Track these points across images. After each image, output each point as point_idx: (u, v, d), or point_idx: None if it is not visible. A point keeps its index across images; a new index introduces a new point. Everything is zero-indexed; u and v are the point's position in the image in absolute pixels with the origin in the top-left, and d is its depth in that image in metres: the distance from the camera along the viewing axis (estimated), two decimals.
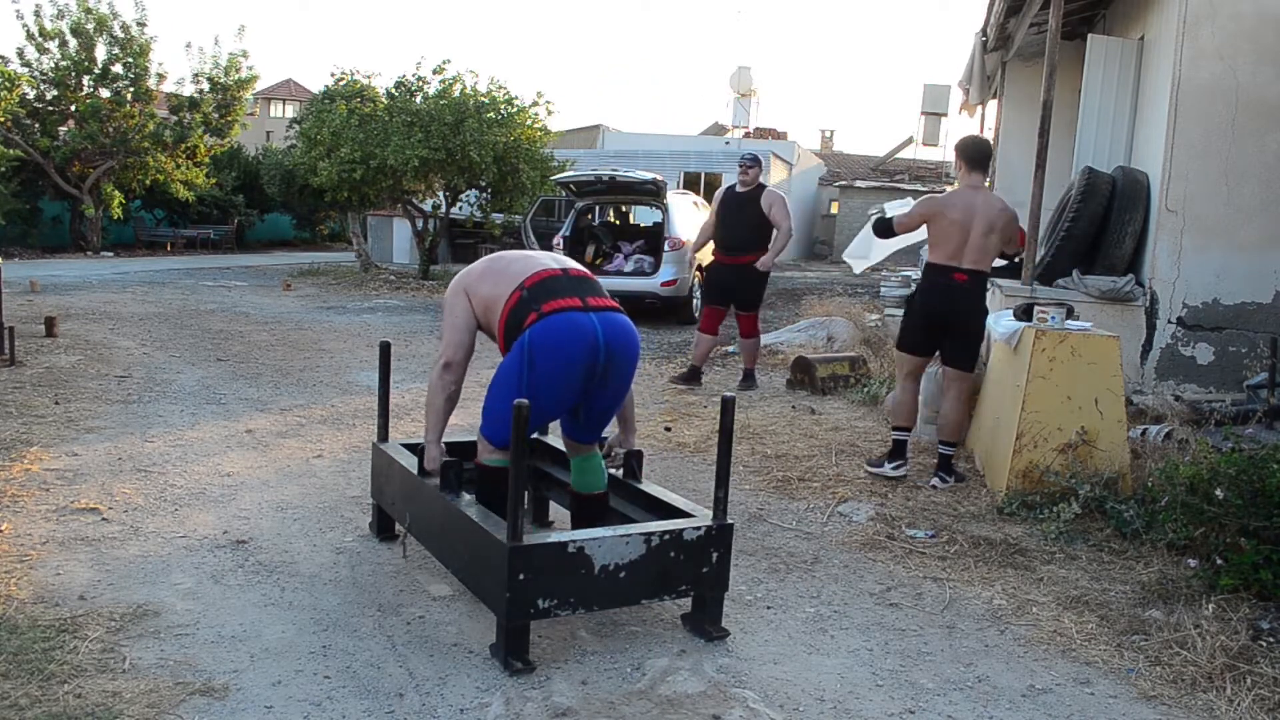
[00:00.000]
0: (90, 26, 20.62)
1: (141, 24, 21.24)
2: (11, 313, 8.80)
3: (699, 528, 3.12)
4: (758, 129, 32.32)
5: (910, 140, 28.83)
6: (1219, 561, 3.54)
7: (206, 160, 23.13)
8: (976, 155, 4.99)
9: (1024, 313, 4.95)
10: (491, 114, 15.28)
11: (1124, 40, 7.94)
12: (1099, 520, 4.32)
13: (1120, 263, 6.79)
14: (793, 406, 6.83)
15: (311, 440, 5.58)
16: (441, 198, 16.80)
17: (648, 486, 3.60)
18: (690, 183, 23.63)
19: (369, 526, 4.08)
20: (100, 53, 20.92)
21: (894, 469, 4.98)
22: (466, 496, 3.30)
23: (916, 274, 8.06)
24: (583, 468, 3.54)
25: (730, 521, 3.20)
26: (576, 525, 3.51)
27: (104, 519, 4.08)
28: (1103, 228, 6.82)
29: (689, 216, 12.09)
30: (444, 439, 3.50)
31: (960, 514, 4.54)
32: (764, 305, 13.68)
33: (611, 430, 3.71)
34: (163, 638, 3.02)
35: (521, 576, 2.83)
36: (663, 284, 11.31)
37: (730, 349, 8.95)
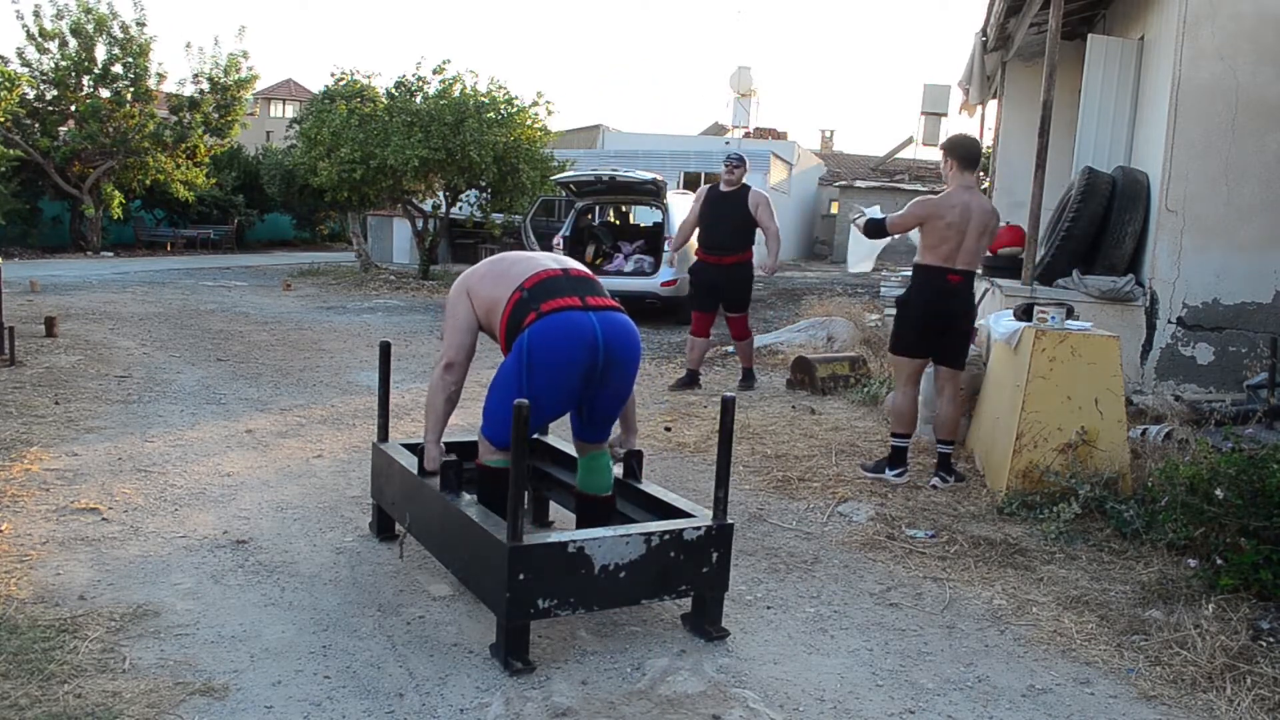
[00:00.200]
0: (90, 27, 20.63)
1: (141, 24, 21.26)
2: (11, 313, 8.81)
3: (699, 528, 3.12)
4: (758, 129, 32.30)
5: (910, 140, 28.83)
6: (1219, 561, 3.54)
7: (206, 160, 23.15)
8: (969, 155, 4.97)
9: (1024, 313, 4.95)
10: (491, 114, 15.29)
11: (1124, 40, 7.94)
12: (1099, 520, 4.32)
13: (1120, 263, 6.79)
14: (793, 406, 6.83)
15: (311, 440, 5.58)
16: (441, 198, 16.81)
17: (648, 486, 3.60)
18: (690, 183, 23.61)
19: (369, 526, 4.08)
20: (100, 53, 20.94)
21: (896, 475, 4.96)
22: (466, 496, 3.30)
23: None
24: (590, 467, 3.54)
25: (730, 521, 3.20)
26: (580, 526, 3.51)
27: (104, 519, 4.08)
28: (1103, 228, 6.82)
29: None
30: (444, 439, 3.50)
31: (960, 514, 4.54)
32: (764, 305, 13.75)
33: (613, 430, 3.71)
34: (163, 638, 3.02)
35: (521, 576, 2.83)
36: (663, 284, 11.32)
37: (730, 349, 8.94)
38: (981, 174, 14.96)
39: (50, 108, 21.23)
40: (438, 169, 15.30)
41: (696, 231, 7.57)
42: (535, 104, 16.18)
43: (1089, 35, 8.31)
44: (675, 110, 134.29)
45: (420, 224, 17.41)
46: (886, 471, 4.99)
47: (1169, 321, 6.61)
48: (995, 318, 5.47)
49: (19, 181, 20.53)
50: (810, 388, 7.35)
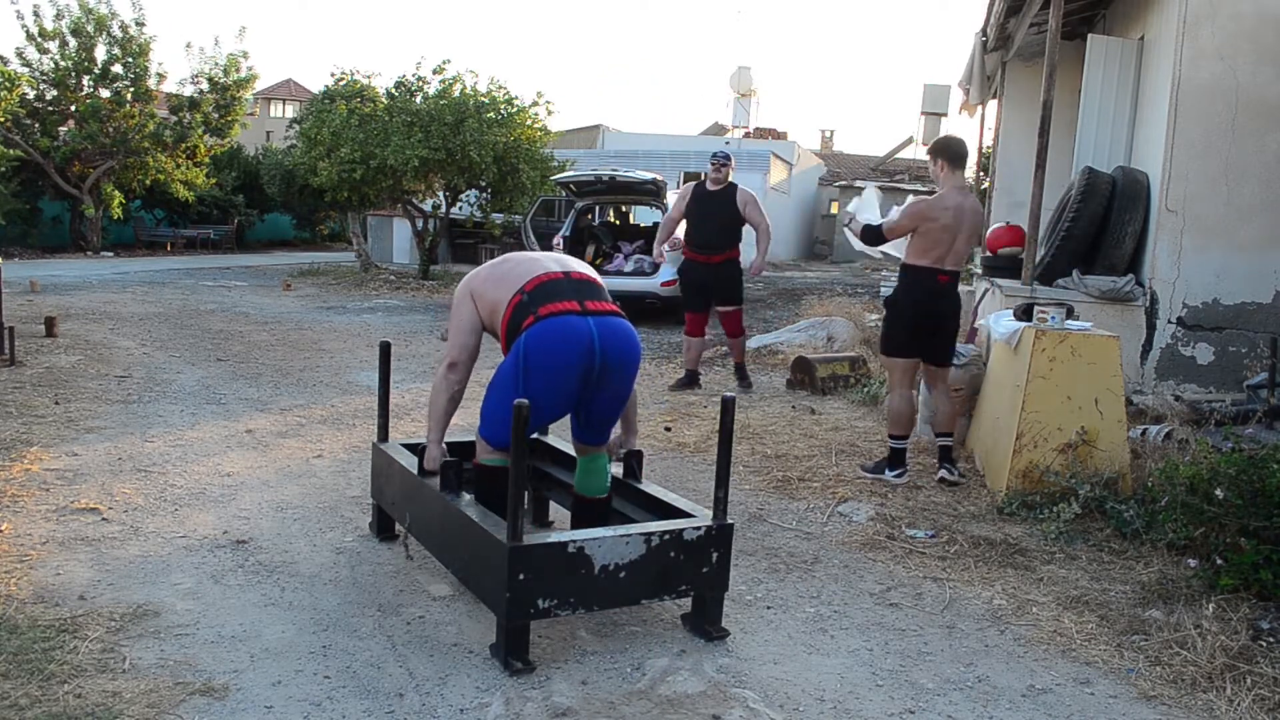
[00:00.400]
0: (90, 27, 20.63)
1: (140, 24, 21.26)
2: (11, 313, 8.81)
3: (699, 528, 3.12)
4: (758, 129, 32.31)
5: (910, 140, 28.82)
6: (1219, 561, 3.54)
7: (206, 160, 23.15)
8: (959, 155, 4.98)
9: (1024, 313, 4.95)
10: (491, 114, 15.28)
11: (1124, 40, 7.94)
12: (1099, 520, 4.32)
13: (1120, 263, 6.79)
14: (793, 406, 6.83)
15: (311, 440, 5.58)
16: (441, 198, 16.81)
17: (648, 486, 3.60)
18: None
19: (369, 526, 4.08)
20: (100, 53, 20.94)
21: (896, 476, 4.97)
22: (466, 496, 3.30)
23: None
24: (588, 469, 3.55)
25: (730, 521, 3.20)
26: (576, 527, 3.51)
27: (104, 519, 4.08)
28: (1103, 228, 6.82)
29: None
30: (445, 439, 3.51)
31: (960, 514, 4.54)
32: (764, 305, 13.74)
33: (613, 431, 3.71)
34: (163, 638, 3.02)
35: (521, 576, 2.83)
36: (663, 284, 11.31)
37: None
38: (982, 174, 15.01)
39: (50, 108, 21.23)
40: (438, 169, 15.30)
41: (684, 230, 7.55)
42: (535, 104, 16.18)
43: (1089, 35, 8.30)
44: (675, 110, 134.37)
45: (420, 224, 17.40)
46: (886, 472, 4.99)
47: (1169, 321, 6.61)
48: (995, 318, 5.47)
49: (19, 181, 20.53)
50: (810, 388, 7.34)
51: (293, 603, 3.33)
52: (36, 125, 20.82)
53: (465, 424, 5.27)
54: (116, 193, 21.31)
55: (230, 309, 11.83)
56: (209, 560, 3.68)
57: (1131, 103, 7.67)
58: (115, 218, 22.07)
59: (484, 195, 16.56)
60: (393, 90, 16.40)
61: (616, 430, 3.69)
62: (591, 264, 12.16)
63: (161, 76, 21.84)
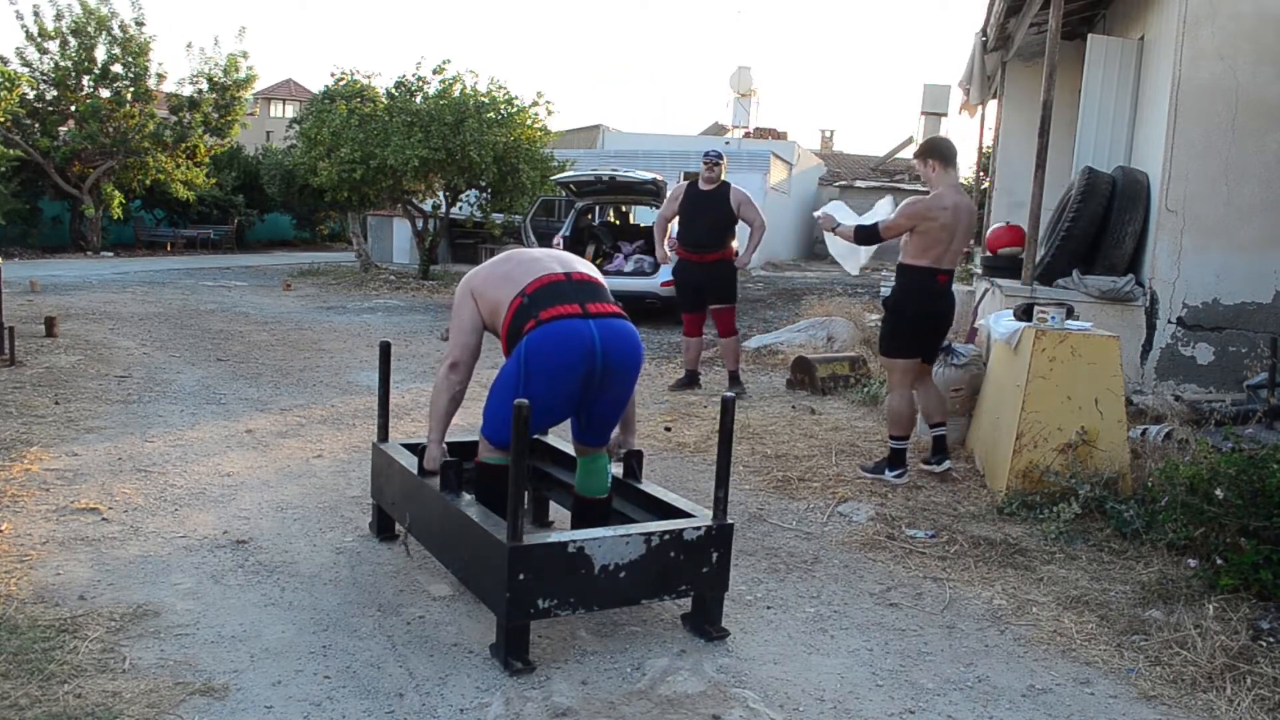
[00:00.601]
0: (90, 27, 20.63)
1: (140, 23, 21.26)
2: (11, 313, 8.81)
3: (699, 528, 3.12)
4: (758, 129, 32.29)
5: (910, 140, 28.80)
6: (1219, 561, 3.54)
7: (206, 160, 23.15)
8: (950, 153, 4.99)
9: (1024, 313, 4.95)
10: (491, 114, 15.28)
11: (1124, 40, 7.94)
12: (1099, 520, 4.32)
13: (1120, 263, 6.79)
14: (793, 406, 6.83)
15: (311, 440, 5.58)
16: (441, 198, 16.81)
17: (648, 486, 3.60)
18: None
19: (369, 526, 4.08)
20: (100, 53, 20.94)
21: (896, 477, 4.97)
22: (466, 496, 3.30)
23: None
24: (588, 469, 3.55)
25: (730, 521, 3.20)
26: (576, 527, 3.51)
27: (104, 519, 4.08)
28: (1103, 228, 6.82)
29: None
30: (445, 439, 3.51)
31: (960, 514, 4.54)
32: (764, 305, 13.74)
33: (613, 431, 3.71)
34: (163, 638, 3.02)
35: (521, 576, 2.83)
36: (663, 284, 11.29)
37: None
38: (982, 174, 15.01)
39: (50, 108, 21.24)
40: (438, 169, 15.30)
41: (677, 230, 7.54)
42: (535, 104, 16.18)
43: (1089, 35, 8.31)
44: (675, 110, 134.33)
45: (420, 224, 17.41)
46: (886, 473, 4.99)
47: (1169, 321, 6.61)
48: (995, 318, 5.47)
49: (19, 181, 20.53)
50: (810, 388, 7.34)
51: (293, 603, 3.33)
52: (36, 125, 20.82)
53: (466, 424, 5.27)
54: (116, 193, 21.31)
55: (230, 309, 11.83)
56: (209, 560, 3.68)
57: (1131, 103, 7.67)
58: (115, 218, 22.07)
59: (484, 195, 16.56)
60: (393, 90, 16.40)
61: (616, 431, 3.69)
62: (591, 264, 12.15)
63: (161, 76, 21.86)
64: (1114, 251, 6.78)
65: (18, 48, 20.97)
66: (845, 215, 5.53)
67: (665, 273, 11.31)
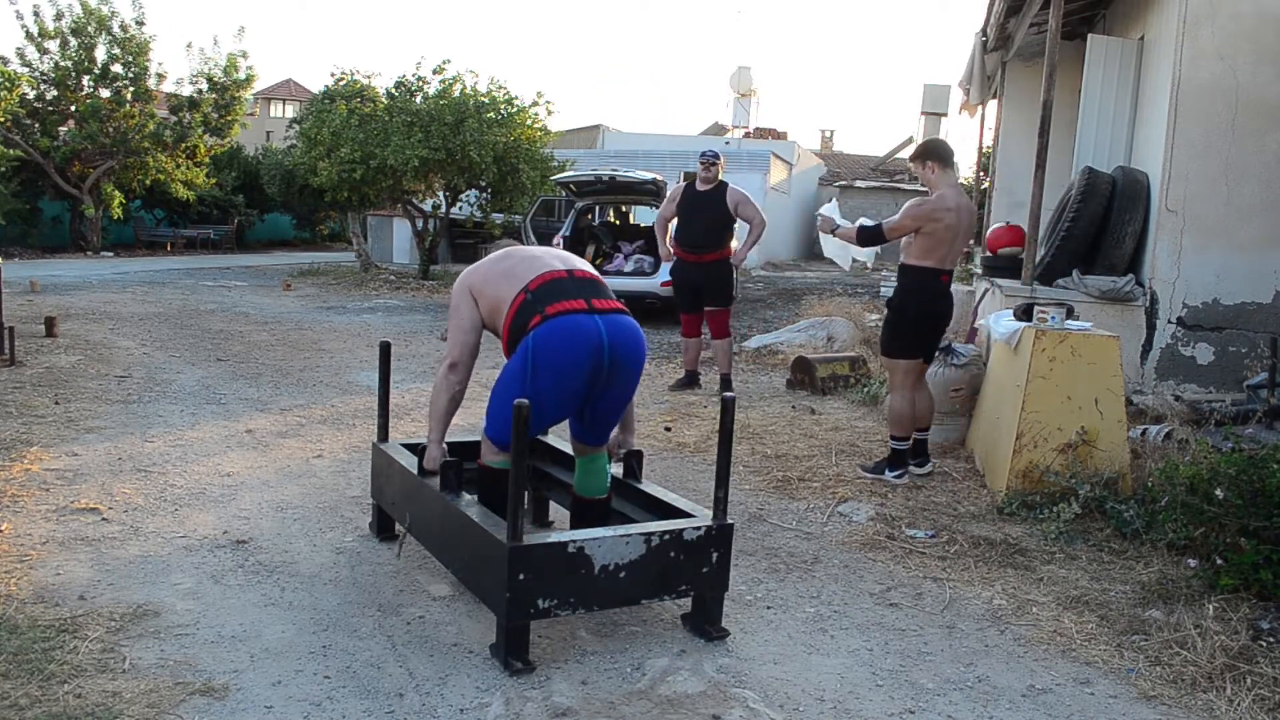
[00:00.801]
0: (90, 26, 20.63)
1: (140, 22, 21.26)
2: (11, 313, 8.81)
3: (699, 528, 3.12)
4: (758, 129, 32.29)
5: (910, 140, 28.78)
6: (1219, 561, 3.54)
7: (206, 160, 23.15)
8: (948, 154, 4.99)
9: (1024, 313, 4.95)
10: (491, 114, 15.28)
11: (1124, 40, 7.94)
12: (1099, 520, 4.32)
13: (1120, 263, 6.79)
14: (793, 406, 6.83)
15: (311, 440, 5.58)
16: (441, 198, 16.80)
17: (648, 486, 3.60)
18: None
19: (369, 526, 4.08)
20: (100, 53, 20.95)
21: (896, 477, 4.97)
22: (466, 496, 3.30)
23: None
24: (587, 469, 3.54)
25: (730, 521, 3.19)
26: (575, 527, 3.51)
27: (104, 519, 4.08)
28: (1103, 228, 6.82)
29: None
30: (445, 439, 3.50)
31: (960, 514, 4.54)
32: (764, 305, 13.74)
33: (611, 431, 3.71)
34: (163, 638, 3.02)
35: (521, 576, 2.83)
36: (663, 284, 11.29)
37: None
38: (982, 174, 15.01)
39: (50, 108, 21.24)
40: (438, 169, 15.30)
41: (674, 230, 7.53)
42: (535, 104, 16.18)
43: (1089, 35, 8.31)
44: (675, 110, 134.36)
45: (420, 224, 17.40)
46: (887, 473, 4.99)
47: (1169, 321, 6.61)
48: (995, 318, 5.47)
49: (19, 181, 20.53)
50: (810, 388, 7.34)
51: (293, 603, 3.33)
52: (36, 125, 20.82)
53: (466, 424, 5.27)
54: (116, 193, 21.31)
55: (230, 309, 11.83)
56: (209, 560, 3.68)
57: (1131, 103, 7.67)
58: (115, 218, 22.08)
59: (484, 195, 16.56)
60: (393, 90, 16.40)
61: (615, 431, 3.69)
62: (591, 264, 12.15)
63: (161, 76, 21.86)
64: (1114, 251, 6.78)
65: (18, 48, 21.00)
66: (838, 218, 5.55)
67: (665, 272, 11.31)
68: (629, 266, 12.18)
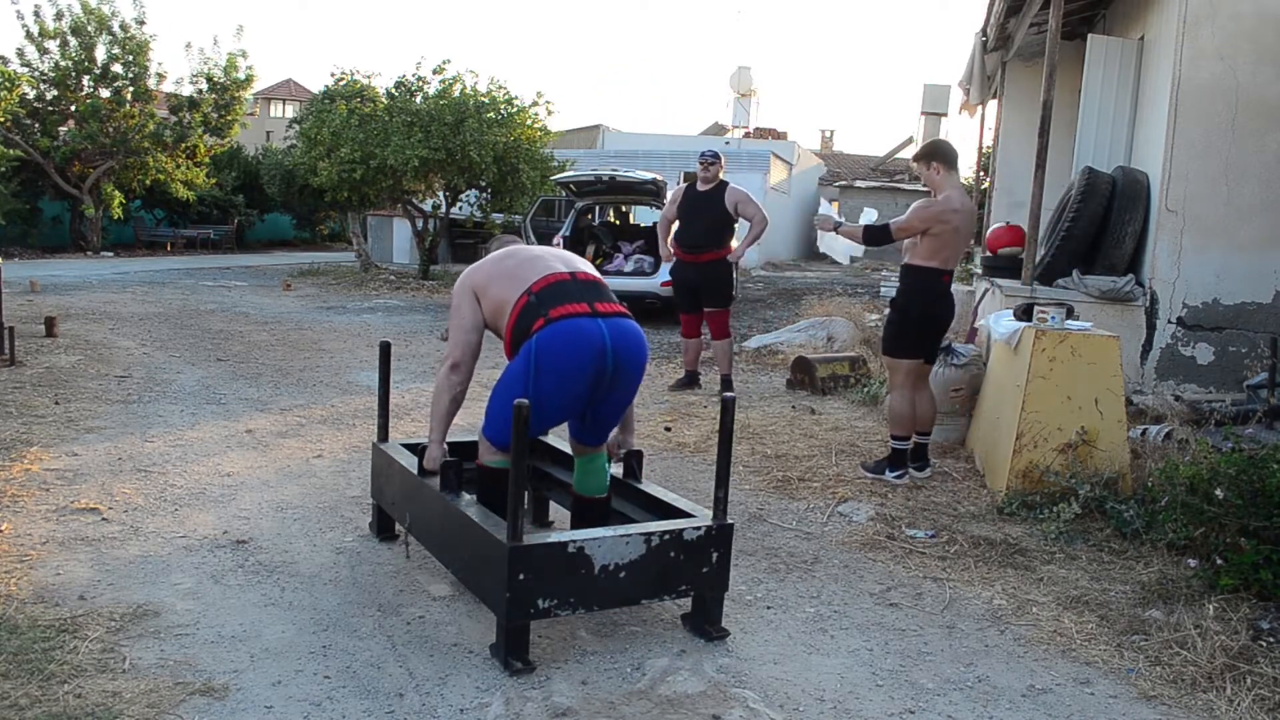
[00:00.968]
0: (90, 26, 20.63)
1: (141, 21, 21.26)
2: (11, 313, 8.81)
3: (699, 528, 3.12)
4: (758, 129, 32.30)
5: (910, 140, 28.82)
6: (1219, 561, 3.54)
7: (206, 160, 23.16)
8: (952, 155, 5.00)
9: (1024, 313, 4.95)
10: (491, 114, 15.28)
11: (1124, 40, 7.94)
12: (1099, 520, 4.32)
13: (1120, 263, 6.79)
14: (793, 406, 6.83)
15: (311, 440, 5.58)
16: (441, 198, 16.81)
17: (648, 486, 3.60)
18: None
19: (369, 526, 4.08)
20: (100, 53, 20.95)
21: (897, 477, 4.98)
22: (466, 496, 3.30)
23: None
24: (586, 469, 3.54)
25: (730, 521, 3.19)
26: (575, 527, 3.51)
27: (104, 519, 4.08)
28: (1103, 228, 6.82)
29: None
30: (446, 439, 3.50)
31: (960, 514, 4.54)
32: (764, 305, 13.74)
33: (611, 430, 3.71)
34: (163, 638, 3.02)
35: (521, 576, 2.83)
36: (663, 284, 11.29)
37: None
38: (982, 174, 15.01)
39: (50, 108, 21.24)
40: (438, 169, 15.30)
41: (676, 231, 7.52)
42: (535, 104, 16.18)
43: (1089, 35, 8.31)
44: (675, 110, 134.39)
45: (420, 224, 17.41)
46: (887, 473, 4.99)
47: (1169, 321, 6.61)
48: (995, 318, 5.47)
49: (19, 181, 20.53)
50: (810, 388, 7.34)
51: (293, 603, 3.33)
52: (36, 125, 20.82)
53: (466, 424, 5.27)
54: (116, 193, 21.32)
55: (230, 309, 11.83)
56: (209, 560, 3.68)
57: (1131, 103, 7.67)
58: (115, 218, 22.08)
59: (484, 195, 16.56)
60: (393, 90, 16.40)
61: (615, 431, 3.69)
62: (591, 264, 12.14)
63: (161, 76, 21.87)
64: (1114, 251, 6.78)
65: (18, 48, 20.99)
66: (836, 215, 5.57)
67: (665, 273, 11.32)
68: (629, 266, 12.18)
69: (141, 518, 4.12)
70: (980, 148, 14.16)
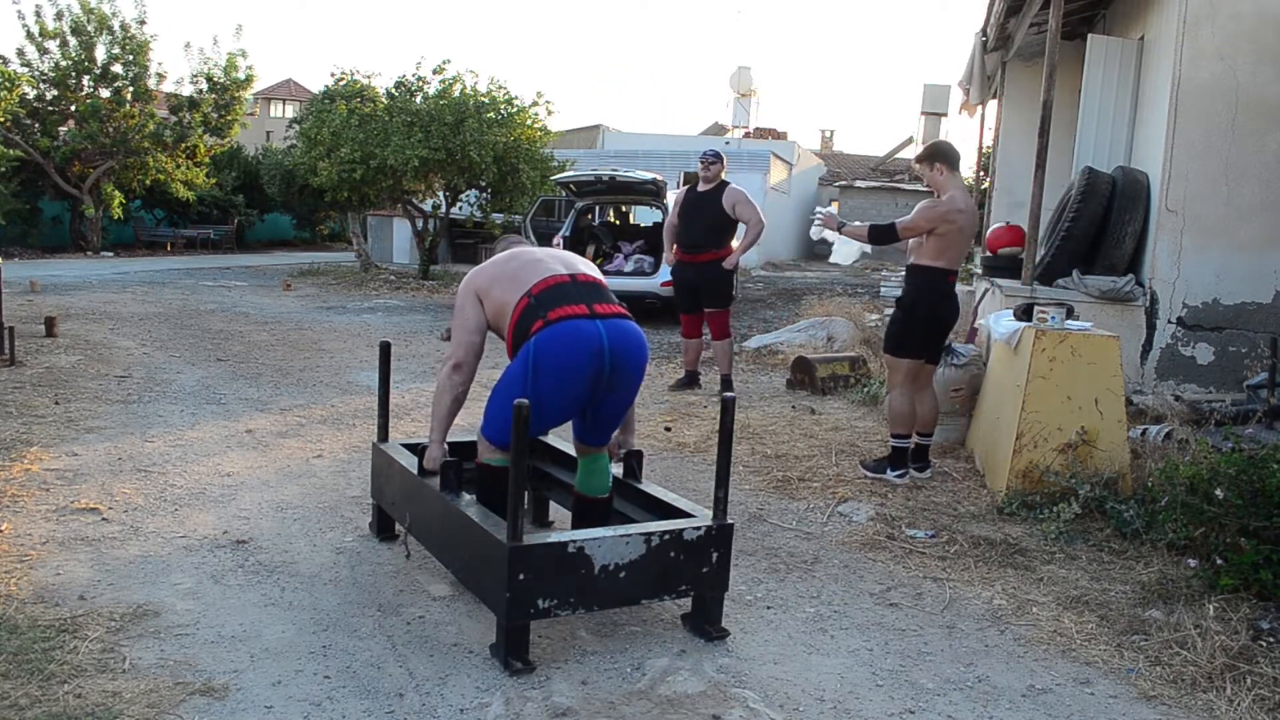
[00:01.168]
0: (91, 26, 20.63)
1: (142, 21, 21.26)
2: (11, 313, 8.81)
3: (699, 528, 3.12)
4: (758, 129, 32.30)
5: (910, 140, 28.85)
6: (1219, 561, 3.54)
7: (206, 160, 23.15)
8: (956, 156, 5.00)
9: (1024, 313, 4.95)
10: (491, 114, 15.28)
11: (1124, 40, 7.94)
12: (1099, 520, 4.32)
13: (1120, 263, 6.79)
14: (793, 406, 6.83)
15: (311, 440, 5.58)
16: (441, 198, 16.80)
17: (648, 486, 3.60)
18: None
19: (369, 526, 4.08)
20: (100, 53, 20.94)
21: (898, 476, 4.98)
22: (466, 496, 3.30)
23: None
24: (589, 469, 3.55)
25: (730, 521, 3.19)
26: (577, 527, 3.51)
27: (104, 519, 4.08)
28: (1103, 228, 6.82)
29: None
30: (446, 439, 3.50)
31: (960, 514, 4.54)
32: (764, 305, 13.74)
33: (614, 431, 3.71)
34: (163, 638, 3.02)
35: (521, 576, 2.83)
36: (663, 284, 11.29)
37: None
38: (982, 174, 15.01)
39: (50, 108, 21.23)
40: (438, 169, 15.29)
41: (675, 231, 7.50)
42: (535, 104, 16.17)
43: (1089, 35, 8.31)
44: (675, 110, 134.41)
45: (420, 224, 17.40)
46: (888, 472, 4.99)
47: (1169, 321, 6.61)
48: (995, 318, 5.47)
49: (19, 181, 20.53)
50: (810, 388, 7.34)
51: (293, 603, 3.33)
52: (36, 125, 20.81)
53: (466, 424, 5.27)
54: (116, 193, 21.31)
55: (230, 309, 11.83)
56: (209, 560, 3.68)
57: (1131, 103, 7.67)
58: (115, 218, 22.07)
59: (484, 195, 16.56)
60: (393, 90, 16.39)
61: (616, 431, 3.69)
62: (592, 264, 12.13)
63: (161, 76, 21.86)
64: (1114, 251, 6.78)
65: (18, 48, 20.98)
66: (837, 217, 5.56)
67: (665, 273, 11.31)
68: (629, 266, 12.18)
69: (141, 518, 4.12)
70: (980, 148, 14.16)
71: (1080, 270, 6.77)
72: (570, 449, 3.75)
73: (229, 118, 22.60)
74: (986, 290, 7.98)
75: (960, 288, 6.26)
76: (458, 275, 15.33)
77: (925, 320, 4.99)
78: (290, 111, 41.20)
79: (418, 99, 16.08)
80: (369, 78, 17.04)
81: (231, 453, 5.24)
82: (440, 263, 19.08)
